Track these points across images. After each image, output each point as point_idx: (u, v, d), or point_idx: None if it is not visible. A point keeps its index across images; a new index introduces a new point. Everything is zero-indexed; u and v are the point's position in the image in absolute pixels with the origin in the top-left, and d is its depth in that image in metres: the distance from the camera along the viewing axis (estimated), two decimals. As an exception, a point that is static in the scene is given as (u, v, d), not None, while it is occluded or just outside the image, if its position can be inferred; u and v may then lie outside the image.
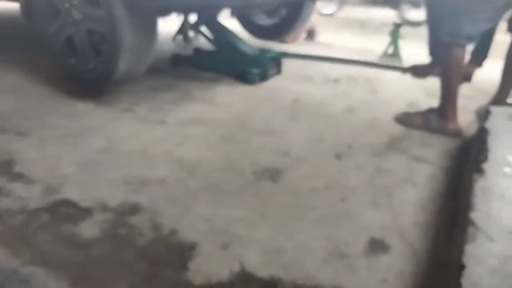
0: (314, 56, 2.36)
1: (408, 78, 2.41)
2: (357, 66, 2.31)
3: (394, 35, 2.86)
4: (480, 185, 1.09)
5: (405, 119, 1.79)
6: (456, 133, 1.71)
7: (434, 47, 1.90)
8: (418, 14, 4.50)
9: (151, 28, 1.79)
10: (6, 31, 3.45)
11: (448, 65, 1.67)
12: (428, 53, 1.99)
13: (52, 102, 1.83)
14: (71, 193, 1.17)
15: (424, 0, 1.97)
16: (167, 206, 1.14)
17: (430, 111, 1.77)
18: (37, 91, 1.95)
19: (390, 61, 2.89)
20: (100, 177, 1.26)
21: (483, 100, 2.01)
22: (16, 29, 3.42)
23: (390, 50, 2.92)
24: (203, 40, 2.66)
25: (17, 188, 1.19)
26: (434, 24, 1.84)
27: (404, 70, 2.10)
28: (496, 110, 1.60)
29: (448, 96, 1.70)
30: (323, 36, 3.52)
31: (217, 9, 2.17)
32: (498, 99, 1.85)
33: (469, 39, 1.63)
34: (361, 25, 4.60)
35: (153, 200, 1.16)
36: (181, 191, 1.21)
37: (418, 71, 2.00)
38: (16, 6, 2.17)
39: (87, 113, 1.74)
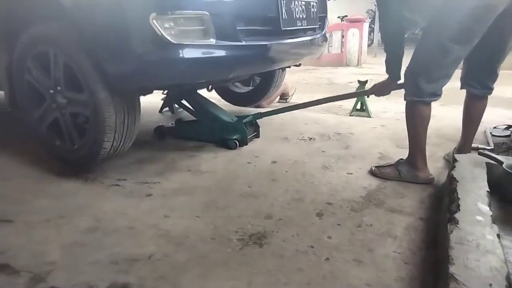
0: (286, 108, 2.50)
1: (377, 130, 2.56)
2: (327, 102, 2.42)
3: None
4: (455, 236, 1.14)
5: (378, 172, 1.89)
6: (428, 181, 1.80)
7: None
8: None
9: (134, 107, 1.89)
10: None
11: (414, 122, 1.77)
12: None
13: (38, 184, 1.86)
14: (58, 280, 1.17)
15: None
16: (157, 285, 1.15)
17: (401, 162, 1.87)
18: (22, 173, 1.98)
19: (360, 116, 3.08)
20: (88, 260, 1.27)
21: (450, 146, 2.16)
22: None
23: (358, 106, 3.12)
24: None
25: (0, 281, 1.17)
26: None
27: (367, 92, 2.20)
28: (462, 158, 1.71)
29: (417, 148, 1.80)
30: (295, 96, 3.73)
31: (194, 85, 2.32)
32: (463, 146, 1.99)
33: (433, 96, 1.71)
34: (329, 84, 4.89)
35: (142, 279, 1.17)
36: (169, 267, 1.23)
37: (380, 89, 2.05)
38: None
39: (74, 192, 1.77)
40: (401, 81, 1.88)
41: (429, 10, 1.68)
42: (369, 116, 3.05)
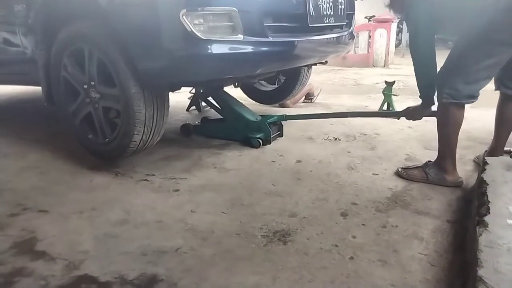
0: (312, 115, 2.50)
1: (404, 132, 2.52)
2: (354, 117, 2.41)
3: (387, 92, 3.03)
4: (484, 239, 1.12)
5: (405, 174, 1.86)
6: (457, 185, 1.76)
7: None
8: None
9: (163, 102, 1.95)
10: (27, 111, 3.70)
11: (447, 124, 1.72)
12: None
13: (71, 177, 1.95)
14: (91, 268, 1.23)
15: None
16: (184, 276, 1.18)
17: (429, 164, 1.83)
18: (57, 167, 2.08)
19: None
20: (118, 250, 1.32)
21: (480, 149, 2.10)
22: (36, 109, 3.68)
23: (385, 107, 3.07)
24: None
25: (38, 266, 1.24)
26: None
27: (399, 114, 2.14)
28: (493, 161, 1.67)
29: (448, 151, 1.76)
30: (321, 97, 3.72)
31: (222, 82, 2.35)
32: (495, 148, 1.93)
33: (470, 98, 1.66)
34: (356, 85, 4.85)
35: (169, 271, 1.21)
36: (196, 260, 1.27)
37: (412, 113, 2.00)
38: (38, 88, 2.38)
39: (105, 186, 1.84)
40: (435, 107, 1.81)
41: (463, 26, 1.64)
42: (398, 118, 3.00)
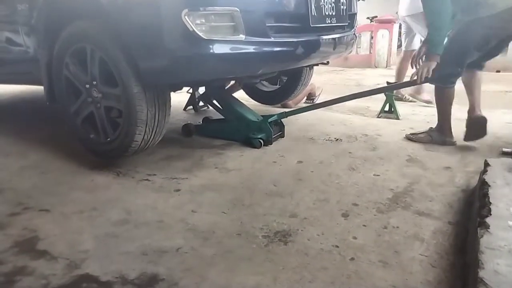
0: (310, 106, 2.50)
1: (405, 133, 2.51)
2: (353, 99, 2.43)
3: (389, 93, 3.03)
4: (485, 240, 1.12)
5: (414, 137, 2.39)
6: (452, 144, 2.31)
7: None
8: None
9: (164, 102, 1.95)
10: (28, 111, 3.71)
11: (443, 101, 2.28)
12: None
13: (72, 177, 1.95)
14: (91, 268, 1.23)
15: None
16: (184, 276, 1.19)
17: (432, 129, 2.37)
18: (58, 167, 2.08)
19: (388, 117, 3.04)
20: (119, 250, 1.32)
21: (482, 151, 2.10)
22: (37, 108, 3.69)
23: (386, 108, 3.07)
24: (211, 110, 2.84)
25: (39, 265, 1.25)
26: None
27: (408, 83, 2.49)
28: (494, 162, 1.67)
29: (444, 119, 2.32)
30: (322, 97, 3.71)
31: (223, 81, 2.35)
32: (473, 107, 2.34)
33: (456, 77, 2.19)
34: (357, 86, 4.84)
35: (170, 270, 1.21)
36: (197, 260, 1.27)
37: (421, 71, 2.19)
38: (40, 88, 2.39)
39: (106, 186, 1.85)
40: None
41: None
42: (397, 118, 2.99)
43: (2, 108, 3.90)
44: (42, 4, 2.02)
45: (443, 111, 2.32)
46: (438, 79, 2.19)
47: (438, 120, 2.36)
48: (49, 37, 2.05)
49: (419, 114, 3.19)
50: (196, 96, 3.19)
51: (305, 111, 2.51)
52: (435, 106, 2.35)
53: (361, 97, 2.43)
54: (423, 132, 2.39)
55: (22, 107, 3.84)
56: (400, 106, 3.11)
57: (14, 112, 3.65)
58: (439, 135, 2.33)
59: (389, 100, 3.03)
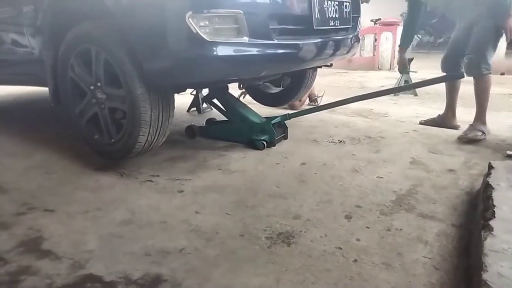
0: (313, 109, 2.49)
1: (409, 135, 2.52)
2: (356, 101, 2.38)
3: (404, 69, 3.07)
4: (489, 243, 1.12)
5: (424, 122, 2.84)
6: (455, 127, 2.67)
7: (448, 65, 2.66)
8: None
9: (168, 104, 1.96)
10: (33, 111, 3.73)
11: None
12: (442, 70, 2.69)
13: (77, 177, 1.96)
14: (96, 268, 1.24)
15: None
16: (187, 277, 1.19)
17: (440, 115, 2.78)
18: (63, 167, 2.09)
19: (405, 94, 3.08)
20: (123, 250, 1.33)
21: (485, 153, 2.09)
22: (42, 109, 3.71)
23: (402, 83, 3.08)
24: (215, 111, 2.84)
25: (44, 265, 1.26)
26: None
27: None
28: (498, 165, 1.66)
29: (450, 107, 2.74)
30: (325, 100, 3.71)
31: (227, 83, 2.36)
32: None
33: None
34: (361, 88, 4.84)
35: (173, 271, 1.21)
36: (200, 261, 1.27)
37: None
38: (44, 89, 2.40)
39: (110, 186, 1.86)
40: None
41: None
42: (415, 94, 3.06)
43: (7, 109, 3.93)
44: (47, 5, 2.04)
45: (449, 99, 2.70)
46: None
47: (446, 107, 2.73)
48: (54, 38, 2.07)
49: (423, 116, 3.18)
50: (200, 98, 3.20)
51: (309, 113, 2.52)
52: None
53: (366, 99, 2.40)
54: (432, 118, 2.80)
55: (27, 108, 3.87)
56: (403, 108, 3.10)
57: (19, 113, 3.68)
58: (445, 119, 2.73)
59: (405, 77, 3.06)
